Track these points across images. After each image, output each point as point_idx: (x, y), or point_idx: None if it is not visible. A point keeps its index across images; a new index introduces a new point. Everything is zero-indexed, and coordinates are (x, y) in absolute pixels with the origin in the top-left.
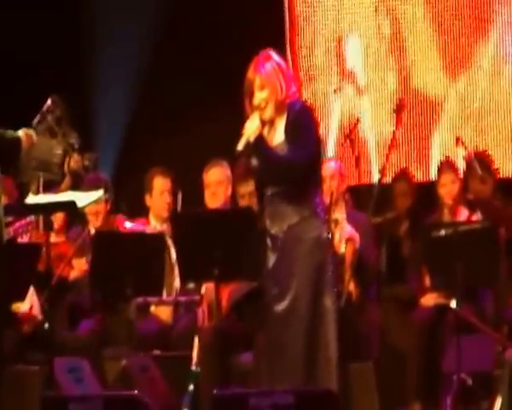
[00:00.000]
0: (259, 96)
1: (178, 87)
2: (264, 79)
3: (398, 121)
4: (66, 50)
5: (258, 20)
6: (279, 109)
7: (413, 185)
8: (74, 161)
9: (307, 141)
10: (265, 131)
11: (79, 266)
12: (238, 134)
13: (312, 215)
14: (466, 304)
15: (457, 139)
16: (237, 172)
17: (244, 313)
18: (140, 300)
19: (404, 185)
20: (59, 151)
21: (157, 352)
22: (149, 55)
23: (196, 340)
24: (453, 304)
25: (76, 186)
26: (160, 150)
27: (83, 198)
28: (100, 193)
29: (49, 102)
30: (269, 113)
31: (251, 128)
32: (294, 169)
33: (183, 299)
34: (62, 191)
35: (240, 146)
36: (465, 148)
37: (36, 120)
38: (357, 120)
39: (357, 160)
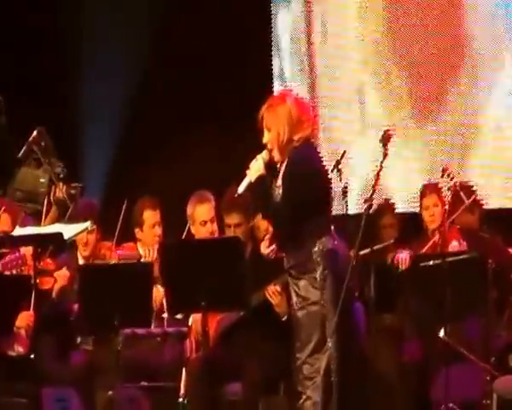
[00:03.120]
0: (266, 137)
1: (164, 116)
2: (271, 122)
3: (385, 152)
4: (52, 79)
5: (245, 53)
6: (283, 152)
7: (397, 216)
8: (60, 191)
9: (293, 195)
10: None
11: (62, 276)
12: (224, 162)
13: (309, 259)
14: (454, 333)
15: (444, 169)
16: (224, 202)
17: (232, 342)
18: (127, 331)
19: (389, 217)
20: (44, 181)
21: (144, 383)
22: (136, 85)
23: (184, 371)
24: (441, 333)
25: (62, 216)
26: (147, 179)
27: (70, 230)
28: (87, 224)
29: (35, 133)
30: (276, 156)
31: (254, 169)
32: (278, 221)
33: (171, 330)
34: (48, 221)
35: (240, 189)
36: (451, 178)
37: (22, 151)
38: (344, 152)
39: (344, 190)
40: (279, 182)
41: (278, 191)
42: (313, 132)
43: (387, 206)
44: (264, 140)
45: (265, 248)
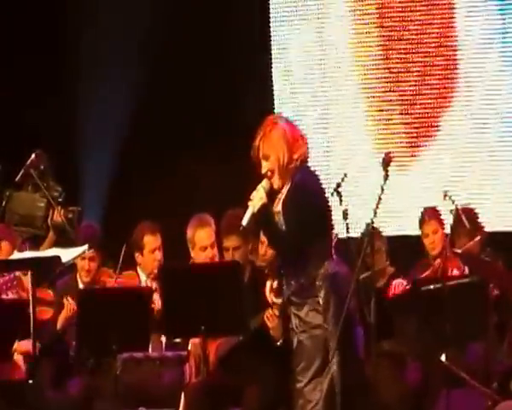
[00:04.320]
0: (264, 166)
1: (165, 138)
2: (268, 149)
3: (386, 175)
4: (50, 103)
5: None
6: (284, 176)
7: (385, 241)
8: (58, 215)
9: (295, 223)
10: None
11: (69, 308)
12: (223, 184)
13: (312, 283)
14: (455, 358)
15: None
16: (223, 225)
17: (232, 367)
18: (126, 355)
19: (378, 242)
20: (42, 205)
21: (143, 408)
22: (135, 107)
23: (183, 396)
24: (443, 358)
25: (60, 240)
26: (146, 203)
27: (68, 254)
28: (84, 248)
29: (33, 156)
30: (276, 182)
31: (256, 199)
32: (282, 247)
33: (169, 354)
34: (47, 245)
35: (245, 221)
36: (452, 202)
37: (19, 175)
38: (345, 175)
39: (345, 213)
40: (278, 208)
41: (278, 217)
42: (307, 150)
43: (373, 231)
44: (263, 170)
45: (270, 294)
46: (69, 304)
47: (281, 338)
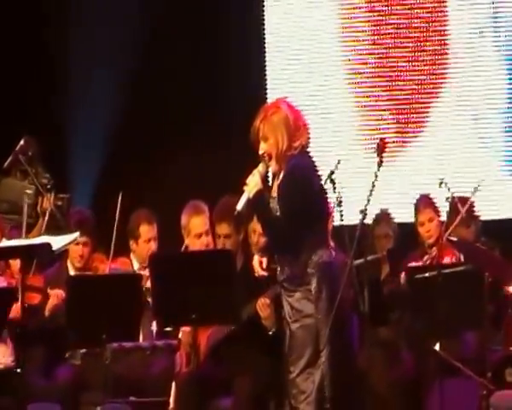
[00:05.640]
0: (262, 147)
1: (155, 125)
2: (268, 131)
3: (380, 162)
4: (39, 90)
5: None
6: (281, 161)
7: (394, 227)
8: (47, 202)
9: (290, 209)
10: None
11: (56, 295)
12: (215, 171)
13: (305, 271)
14: (450, 347)
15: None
16: (215, 212)
17: (223, 357)
18: (115, 345)
19: (384, 228)
20: (31, 192)
21: (133, 398)
22: (125, 94)
23: (173, 386)
24: (437, 347)
25: (49, 227)
26: (135, 189)
27: (58, 241)
28: (75, 235)
29: (21, 142)
30: (273, 167)
31: (251, 184)
32: (276, 233)
33: (160, 343)
34: (36, 232)
35: (239, 206)
36: (448, 189)
37: (8, 161)
38: (338, 161)
39: (339, 200)
40: (274, 194)
41: (274, 203)
42: (309, 139)
43: (383, 216)
44: (261, 151)
45: (258, 268)
46: (54, 293)
47: (273, 327)
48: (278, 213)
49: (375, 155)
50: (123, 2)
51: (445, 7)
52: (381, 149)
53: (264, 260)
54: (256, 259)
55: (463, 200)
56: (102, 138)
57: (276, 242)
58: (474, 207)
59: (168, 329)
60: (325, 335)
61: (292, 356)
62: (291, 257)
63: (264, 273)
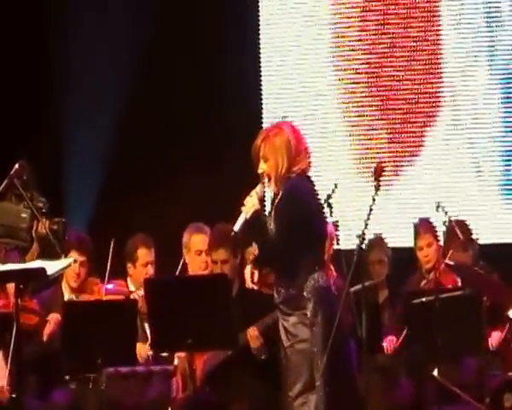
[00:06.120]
0: (262, 167)
1: (150, 151)
2: (268, 152)
3: (377, 186)
4: (35, 114)
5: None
6: (280, 183)
7: (388, 252)
8: (42, 226)
9: (286, 230)
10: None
11: (54, 321)
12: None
13: (301, 295)
14: (448, 373)
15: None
16: (211, 239)
17: (220, 382)
18: (111, 370)
19: (378, 253)
20: (26, 216)
21: None
22: (122, 117)
23: None
24: (435, 373)
25: (44, 251)
26: (132, 215)
27: (53, 266)
28: (70, 260)
29: (16, 166)
30: (272, 188)
31: (248, 205)
32: (271, 254)
33: (156, 369)
34: (30, 257)
35: (236, 227)
36: (445, 213)
37: (3, 185)
38: (336, 185)
39: (336, 224)
40: (272, 214)
41: (270, 223)
42: (309, 164)
43: (376, 242)
44: (260, 170)
45: (249, 280)
46: (52, 318)
47: (264, 353)
48: (273, 234)
49: (373, 178)
50: (120, 21)
51: (438, 30)
52: (378, 173)
53: (256, 272)
54: (248, 269)
55: (461, 223)
56: (99, 163)
57: (271, 262)
58: (471, 230)
59: (164, 354)
60: (320, 363)
61: (288, 380)
62: (287, 279)
63: (255, 286)
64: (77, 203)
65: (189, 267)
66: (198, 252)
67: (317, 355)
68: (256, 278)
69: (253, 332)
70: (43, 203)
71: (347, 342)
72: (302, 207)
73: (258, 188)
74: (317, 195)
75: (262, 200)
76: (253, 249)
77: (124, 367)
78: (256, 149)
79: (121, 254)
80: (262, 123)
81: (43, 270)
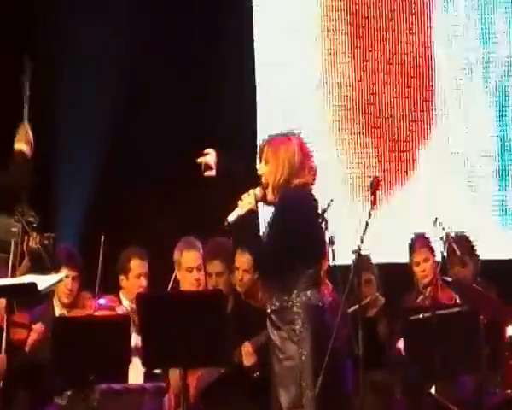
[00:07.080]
0: (261, 168)
1: (139, 166)
2: (270, 157)
3: (374, 200)
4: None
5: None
6: (277, 192)
7: (374, 271)
8: (33, 241)
9: (278, 241)
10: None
11: (36, 331)
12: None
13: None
14: (445, 391)
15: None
16: (206, 251)
17: (214, 400)
18: (103, 386)
19: (366, 273)
20: (16, 230)
21: None
22: (112, 125)
23: None
24: (432, 390)
25: (35, 266)
26: (122, 230)
27: (44, 281)
28: (62, 275)
29: None
30: (270, 196)
31: (245, 201)
32: (263, 262)
33: (149, 385)
34: (21, 272)
35: (231, 218)
36: (443, 228)
37: None
38: (331, 200)
39: (331, 239)
40: (267, 221)
41: (264, 230)
42: (313, 180)
43: (362, 263)
44: (260, 171)
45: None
46: (35, 328)
47: (257, 371)
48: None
49: (369, 193)
50: (108, 47)
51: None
52: (374, 187)
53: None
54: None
55: (459, 239)
56: (88, 178)
57: (260, 266)
58: (472, 245)
59: (157, 371)
60: (309, 376)
61: (278, 395)
62: (278, 290)
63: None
64: (66, 218)
65: (181, 284)
66: (189, 269)
67: (305, 371)
68: None
69: (247, 349)
70: (34, 217)
71: (343, 360)
72: (297, 222)
73: (258, 190)
74: (316, 209)
75: (258, 203)
76: (240, 263)
77: (116, 384)
78: (260, 151)
79: (112, 269)
80: (256, 139)
81: (33, 285)
